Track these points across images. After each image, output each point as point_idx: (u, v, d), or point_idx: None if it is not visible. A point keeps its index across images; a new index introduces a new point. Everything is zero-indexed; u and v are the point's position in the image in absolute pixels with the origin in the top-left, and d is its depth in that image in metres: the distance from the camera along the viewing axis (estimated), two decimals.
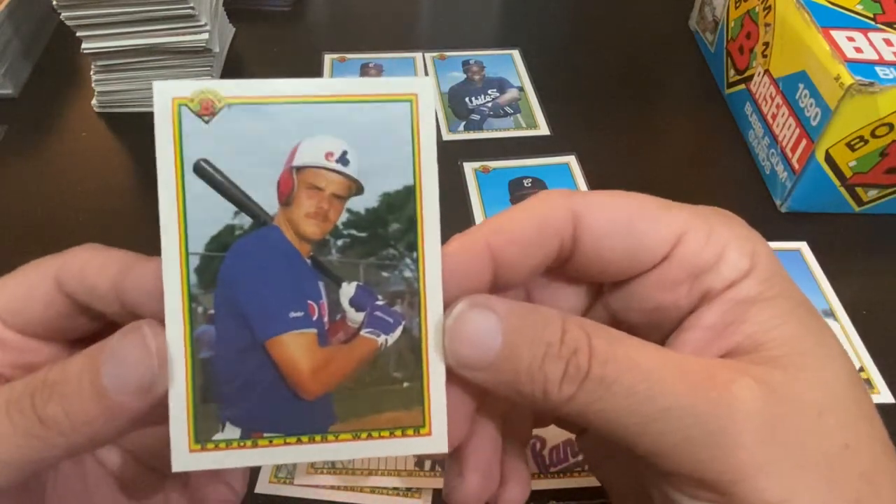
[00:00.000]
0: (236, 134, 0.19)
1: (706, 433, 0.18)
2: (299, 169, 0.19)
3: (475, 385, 0.20)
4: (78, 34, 0.49)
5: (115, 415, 0.19)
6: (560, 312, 0.20)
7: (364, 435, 0.20)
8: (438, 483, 0.33)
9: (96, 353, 0.19)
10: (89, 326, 0.22)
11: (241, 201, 0.19)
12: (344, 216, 0.19)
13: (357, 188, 0.19)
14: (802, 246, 0.45)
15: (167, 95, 0.18)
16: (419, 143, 0.19)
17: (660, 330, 0.22)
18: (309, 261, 0.20)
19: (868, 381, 0.38)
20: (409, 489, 0.33)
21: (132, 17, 0.49)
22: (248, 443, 0.19)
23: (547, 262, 0.22)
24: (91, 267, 0.21)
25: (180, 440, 0.19)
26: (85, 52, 0.50)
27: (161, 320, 0.19)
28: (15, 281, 0.22)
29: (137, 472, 0.26)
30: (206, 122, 0.19)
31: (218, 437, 0.19)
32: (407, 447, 0.20)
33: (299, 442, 0.20)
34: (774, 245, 0.45)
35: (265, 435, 0.19)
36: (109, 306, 0.21)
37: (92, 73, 0.52)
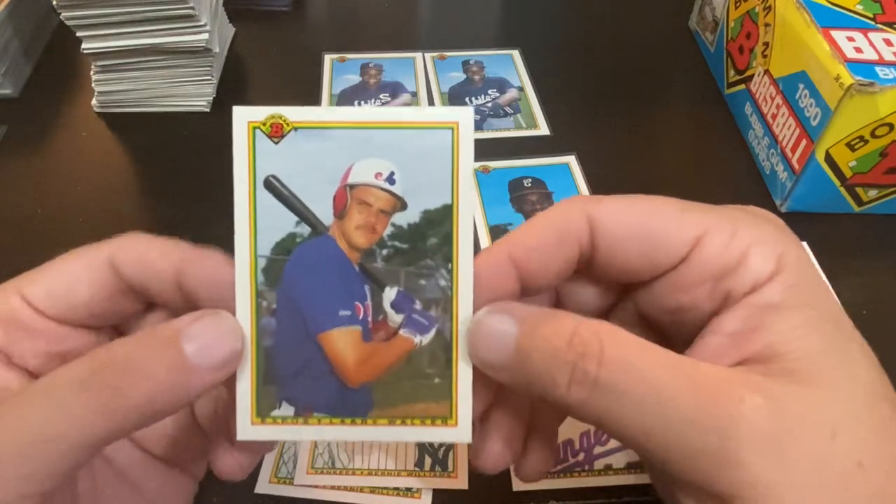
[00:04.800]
0: (301, 154, 0.22)
1: (712, 448, 0.18)
2: (352, 186, 0.22)
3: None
4: (78, 34, 0.49)
5: (192, 388, 0.21)
6: (577, 317, 0.20)
7: (398, 422, 0.22)
8: (438, 483, 0.33)
9: (171, 331, 0.20)
10: (130, 311, 0.24)
11: (302, 213, 0.22)
12: (389, 229, 0.22)
13: (402, 205, 0.22)
14: (802, 246, 0.45)
15: (243, 119, 0.22)
16: (458, 167, 0.21)
17: (685, 329, 0.22)
18: (357, 267, 0.22)
19: None
20: (409, 489, 0.33)
21: (132, 17, 0.49)
22: (300, 420, 0.22)
23: (569, 267, 0.22)
24: (154, 251, 0.23)
25: (245, 414, 0.22)
26: (85, 52, 0.50)
27: (217, 309, 0.22)
28: (60, 265, 0.23)
29: (145, 467, 0.26)
30: (276, 144, 0.22)
31: (275, 413, 0.22)
32: (434, 435, 0.22)
33: (343, 423, 0.22)
34: None
35: (314, 415, 0.22)
36: (165, 290, 0.23)
37: (92, 73, 0.52)
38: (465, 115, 0.21)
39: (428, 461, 0.34)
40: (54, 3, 0.48)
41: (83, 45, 0.50)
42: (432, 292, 0.22)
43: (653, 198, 0.22)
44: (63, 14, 0.48)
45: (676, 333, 0.22)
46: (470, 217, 0.22)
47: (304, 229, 0.22)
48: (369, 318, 0.22)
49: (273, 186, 0.22)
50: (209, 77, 0.54)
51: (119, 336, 0.24)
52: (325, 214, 0.22)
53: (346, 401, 0.22)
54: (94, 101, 0.54)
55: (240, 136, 0.22)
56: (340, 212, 0.22)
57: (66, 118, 0.54)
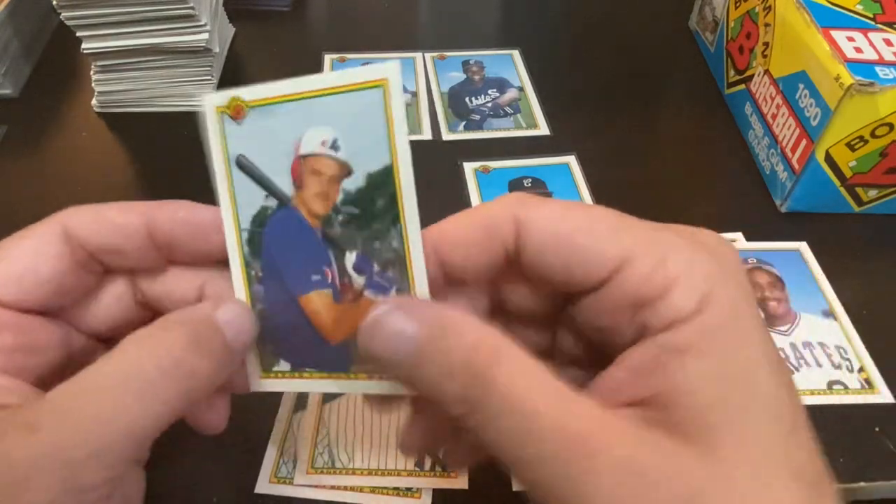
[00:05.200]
0: (259, 131, 0.22)
1: (570, 488, 0.18)
2: (304, 157, 0.22)
3: None
4: (78, 34, 0.49)
5: (230, 367, 0.23)
6: (479, 329, 0.20)
7: (375, 376, 0.24)
8: (438, 483, 0.33)
9: (209, 316, 0.22)
10: (90, 284, 0.24)
11: (268, 187, 0.23)
12: (341, 195, 0.22)
13: (347, 171, 0.22)
14: (802, 246, 0.45)
15: (211, 105, 0.23)
16: (392, 126, 0.21)
17: (614, 350, 0.21)
18: (320, 234, 0.23)
19: (868, 381, 0.38)
20: (409, 489, 0.33)
21: (132, 17, 0.49)
22: (297, 374, 0.25)
23: (495, 265, 0.22)
24: (110, 210, 0.23)
25: (254, 369, 0.25)
26: (85, 52, 0.50)
27: (192, 263, 0.24)
28: (11, 248, 0.23)
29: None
30: (239, 125, 0.23)
31: (276, 368, 0.25)
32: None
33: (329, 377, 0.24)
34: (774, 245, 0.45)
35: (306, 370, 0.25)
36: (134, 246, 0.23)
37: (92, 73, 0.52)
38: (392, 71, 0.21)
39: (428, 461, 0.34)
40: (54, 3, 0.48)
41: (83, 45, 0.50)
42: (387, 253, 0.22)
43: (591, 209, 0.21)
44: (63, 14, 0.48)
45: (609, 351, 0.21)
46: (411, 175, 0.21)
47: (272, 202, 0.23)
48: (337, 282, 0.23)
49: (243, 164, 0.23)
50: (209, 77, 0.54)
51: (74, 325, 0.25)
52: (287, 186, 0.23)
53: (330, 357, 0.24)
54: (94, 101, 0.54)
55: (210, 121, 0.23)
56: (299, 183, 0.23)
57: (66, 118, 0.54)
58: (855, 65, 0.41)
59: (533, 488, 0.19)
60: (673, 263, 0.19)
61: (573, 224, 0.20)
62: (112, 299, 0.25)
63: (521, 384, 0.19)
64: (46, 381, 0.23)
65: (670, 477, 0.17)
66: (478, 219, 0.22)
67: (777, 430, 0.18)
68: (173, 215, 0.23)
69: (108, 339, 0.26)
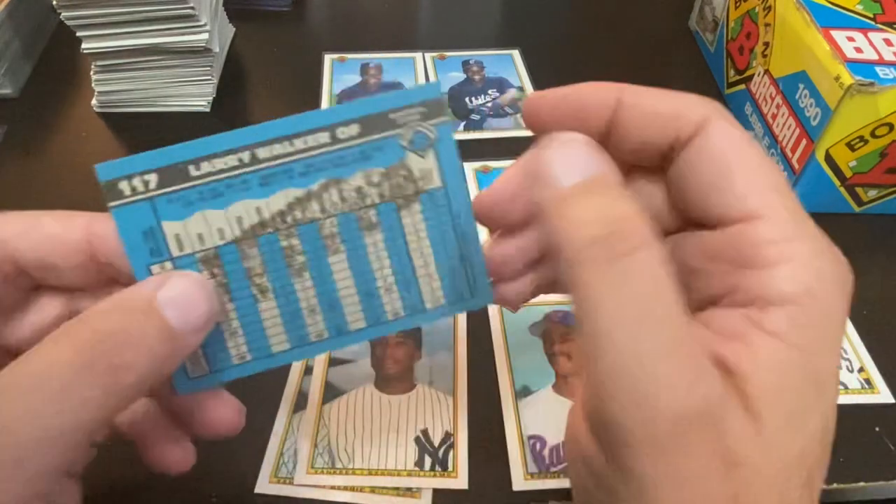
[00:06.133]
0: None
1: (642, 397, 0.17)
2: None
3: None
4: (78, 34, 0.49)
5: (179, 355, 0.20)
6: (639, 207, 0.18)
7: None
8: (438, 483, 0.33)
9: (146, 299, 0.19)
10: (17, 300, 0.22)
11: None
12: None
13: None
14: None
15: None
16: None
17: (704, 294, 0.20)
18: None
19: (868, 381, 0.38)
20: (409, 489, 0.33)
21: (132, 17, 0.49)
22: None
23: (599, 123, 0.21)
24: (48, 221, 0.21)
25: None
26: (85, 52, 0.50)
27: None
28: None
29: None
30: None
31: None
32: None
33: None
34: None
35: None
36: (71, 263, 0.21)
37: (92, 73, 0.52)
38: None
39: (428, 461, 0.34)
40: (54, 3, 0.48)
41: (83, 45, 0.50)
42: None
43: (752, 146, 0.20)
44: (63, 14, 0.48)
45: (698, 292, 0.21)
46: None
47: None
48: None
49: None
50: (209, 77, 0.54)
51: None
52: None
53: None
54: (94, 101, 0.54)
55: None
56: None
57: (66, 118, 0.54)
58: (855, 65, 0.41)
59: (595, 391, 0.17)
60: (799, 244, 0.19)
61: (738, 147, 0.19)
62: (40, 316, 0.23)
63: (651, 272, 0.17)
64: None
65: (724, 434, 0.17)
66: (575, 90, 0.21)
67: (818, 441, 0.18)
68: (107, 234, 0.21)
69: None
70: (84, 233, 0.21)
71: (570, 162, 0.19)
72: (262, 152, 0.21)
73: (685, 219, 0.21)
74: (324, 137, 0.21)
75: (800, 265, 0.18)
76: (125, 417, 0.24)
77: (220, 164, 0.21)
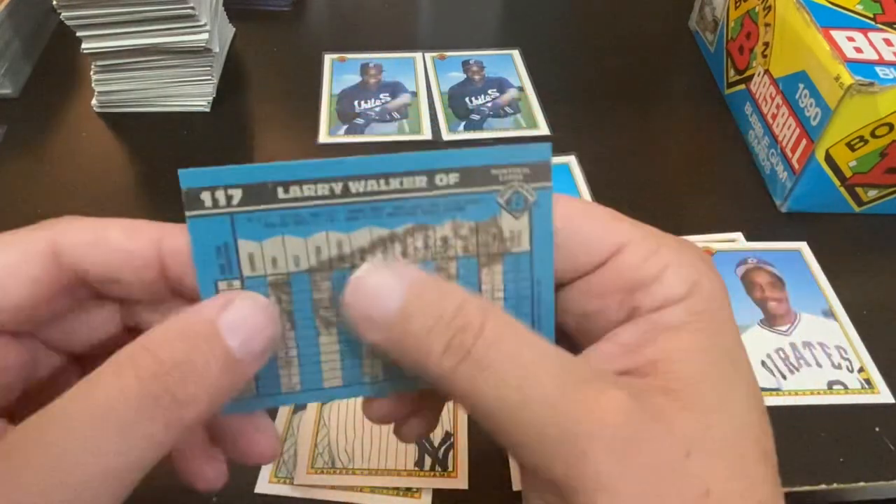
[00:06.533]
0: None
1: (562, 433, 0.17)
2: None
3: None
4: (78, 34, 0.49)
5: (239, 383, 0.19)
6: (466, 292, 0.20)
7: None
8: (438, 483, 0.33)
9: (209, 321, 0.18)
10: (66, 310, 0.21)
11: None
12: None
13: None
14: (802, 246, 0.45)
15: None
16: None
17: (590, 338, 0.21)
18: None
19: (868, 381, 0.38)
20: (409, 489, 0.33)
21: (132, 17, 0.49)
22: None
23: None
24: (115, 232, 0.20)
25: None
26: (85, 52, 0.50)
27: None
28: None
29: None
30: None
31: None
32: None
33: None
34: (774, 245, 0.45)
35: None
36: (140, 276, 0.20)
37: (92, 73, 0.52)
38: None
39: (428, 461, 0.34)
40: (54, 3, 0.48)
41: (83, 45, 0.50)
42: None
43: (588, 202, 0.22)
44: (63, 14, 0.48)
45: (579, 344, 0.22)
46: None
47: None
48: None
49: None
50: (209, 77, 0.54)
51: (44, 342, 0.22)
52: None
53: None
54: (94, 101, 0.54)
55: None
56: None
57: (66, 118, 0.54)
58: (855, 65, 0.41)
59: (518, 445, 0.18)
60: (666, 251, 0.20)
61: (575, 210, 0.21)
62: (97, 322, 0.22)
63: (513, 335, 0.19)
64: (4, 405, 0.20)
65: (665, 426, 0.18)
66: None
67: (755, 409, 0.19)
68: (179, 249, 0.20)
69: (83, 356, 0.23)
70: (155, 249, 0.20)
71: (380, 295, 0.19)
72: (354, 186, 0.20)
73: (567, 279, 0.22)
74: (421, 181, 0.21)
75: (677, 266, 0.20)
76: None
77: (309, 190, 0.20)
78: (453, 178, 0.21)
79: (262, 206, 0.20)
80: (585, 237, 0.21)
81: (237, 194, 0.20)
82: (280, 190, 0.20)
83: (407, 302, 0.19)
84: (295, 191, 0.20)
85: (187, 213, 0.20)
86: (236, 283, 0.20)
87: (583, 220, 0.21)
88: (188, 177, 0.19)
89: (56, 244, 0.20)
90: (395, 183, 0.20)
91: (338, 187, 0.20)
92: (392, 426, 0.25)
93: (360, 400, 0.23)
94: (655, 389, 0.18)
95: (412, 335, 0.19)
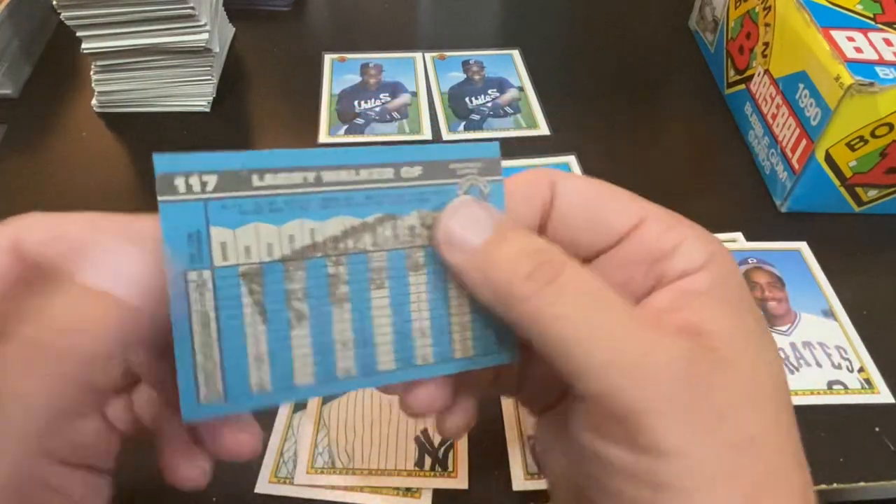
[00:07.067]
0: None
1: (635, 359, 0.19)
2: None
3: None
4: (78, 34, 0.49)
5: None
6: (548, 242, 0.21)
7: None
8: (438, 483, 0.33)
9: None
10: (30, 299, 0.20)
11: None
12: None
13: None
14: (802, 246, 0.45)
15: None
16: None
17: (637, 295, 0.23)
18: None
19: (868, 381, 0.38)
20: (409, 489, 0.33)
21: (132, 17, 0.49)
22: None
23: (532, 225, 0.24)
24: (73, 227, 0.20)
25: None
26: (85, 52, 0.50)
27: None
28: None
29: (66, 477, 0.23)
30: None
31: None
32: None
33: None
34: (774, 245, 0.45)
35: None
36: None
37: (92, 73, 0.52)
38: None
39: (428, 461, 0.34)
40: (54, 3, 0.48)
41: (83, 45, 0.50)
42: None
43: (610, 185, 0.24)
44: (63, 14, 0.48)
45: None
46: None
47: None
48: None
49: None
50: (209, 77, 0.54)
51: None
52: None
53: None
54: (94, 101, 0.54)
55: None
56: None
57: (66, 118, 0.54)
58: (855, 65, 0.41)
59: (582, 371, 0.19)
60: (680, 227, 0.22)
61: (597, 189, 0.23)
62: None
63: (593, 279, 0.20)
64: None
65: (719, 372, 0.19)
66: (521, 179, 0.24)
67: (780, 365, 0.21)
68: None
69: None
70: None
71: (473, 222, 0.21)
72: (327, 175, 0.21)
73: (594, 252, 0.24)
74: (388, 173, 0.22)
75: (694, 239, 0.22)
76: (148, 410, 0.24)
77: (284, 178, 0.21)
78: (417, 170, 0.22)
79: (237, 193, 0.20)
80: (610, 212, 0.23)
81: (212, 180, 0.20)
82: (255, 177, 0.20)
83: (498, 231, 0.21)
84: (270, 178, 0.21)
85: (160, 199, 0.20)
86: (206, 273, 0.20)
87: (606, 197, 0.23)
88: (163, 161, 0.20)
89: (18, 240, 0.20)
90: (364, 174, 0.21)
91: (311, 176, 0.21)
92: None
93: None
94: (703, 346, 0.20)
95: (501, 258, 0.21)
